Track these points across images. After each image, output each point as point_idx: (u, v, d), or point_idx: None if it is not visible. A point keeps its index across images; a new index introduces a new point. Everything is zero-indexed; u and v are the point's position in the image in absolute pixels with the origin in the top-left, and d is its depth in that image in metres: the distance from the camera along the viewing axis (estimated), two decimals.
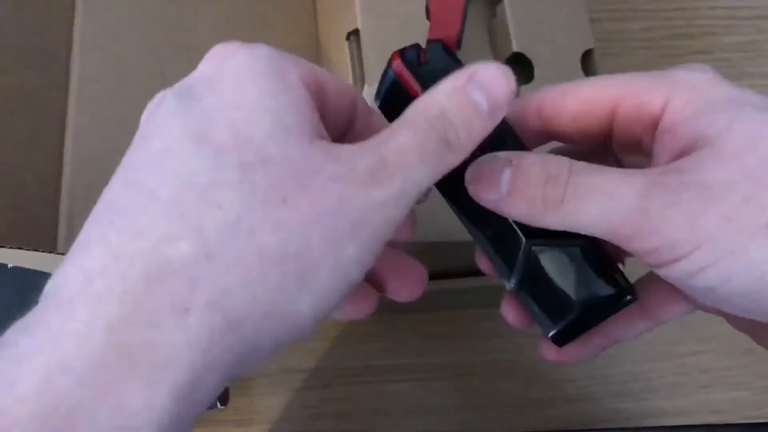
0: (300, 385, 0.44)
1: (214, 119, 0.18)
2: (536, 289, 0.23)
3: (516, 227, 0.22)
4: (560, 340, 0.23)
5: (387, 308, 0.44)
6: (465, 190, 0.22)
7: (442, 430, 0.44)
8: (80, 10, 0.40)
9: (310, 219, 0.17)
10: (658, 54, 0.52)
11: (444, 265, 0.39)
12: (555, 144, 0.26)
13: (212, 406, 0.38)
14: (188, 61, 0.41)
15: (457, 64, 0.24)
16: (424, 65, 0.23)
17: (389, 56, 0.35)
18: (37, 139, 0.37)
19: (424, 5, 0.25)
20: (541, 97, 0.23)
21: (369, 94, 0.34)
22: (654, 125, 0.22)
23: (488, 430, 0.44)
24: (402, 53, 0.24)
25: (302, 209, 0.17)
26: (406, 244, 0.33)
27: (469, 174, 0.22)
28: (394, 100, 0.23)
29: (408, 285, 0.24)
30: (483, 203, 0.22)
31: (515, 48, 0.36)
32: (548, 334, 0.23)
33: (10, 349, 0.16)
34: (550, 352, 0.25)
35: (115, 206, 0.17)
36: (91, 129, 0.38)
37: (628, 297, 0.23)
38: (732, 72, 0.52)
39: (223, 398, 0.40)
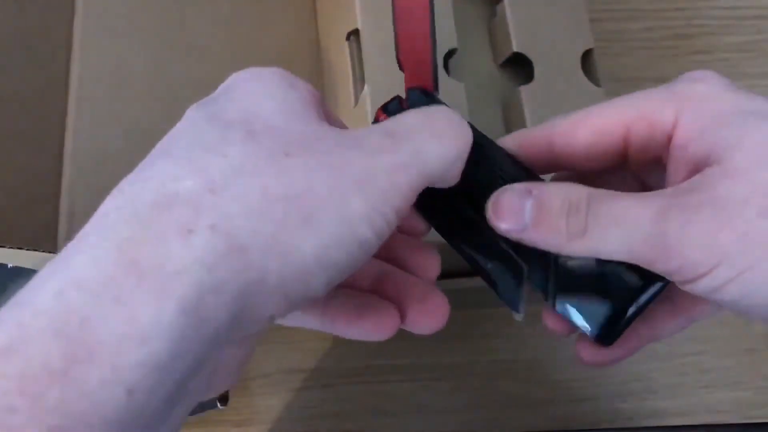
0: (300, 385, 0.44)
1: (226, 107, 0.19)
2: (572, 297, 0.23)
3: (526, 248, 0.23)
4: (606, 340, 0.23)
5: None
6: (466, 225, 0.23)
7: (442, 430, 0.44)
8: (80, 10, 0.40)
9: (314, 169, 0.18)
10: (659, 54, 0.52)
11: (444, 265, 0.39)
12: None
13: (212, 406, 0.38)
14: (188, 61, 0.41)
15: (440, 104, 0.24)
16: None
17: (389, 56, 0.35)
18: (37, 139, 0.37)
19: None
20: (549, 129, 0.24)
21: (368, 93, 0.34)
22: (668, 142, 0.22)
23: (488, 430, 0.44)
24: (385, 108, 0.24)
25: (306, 161, 0.18)
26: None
27: (490, 205, 0.22)
28: None
29: (429, 316, 0.25)
30: (505, 234, 0.22)
31: (515, 48, 0.36)
32: (593, 336, 0.23)
33: (34, 279, 0.17)
34: (587, 354, 0.25)
35: (133, 171, 0.19)
36: (91, 129, 0.38)
37: (661, 283, 0.23)
38: (732, 72, 0.52)
39: (223, 398, 0.40)
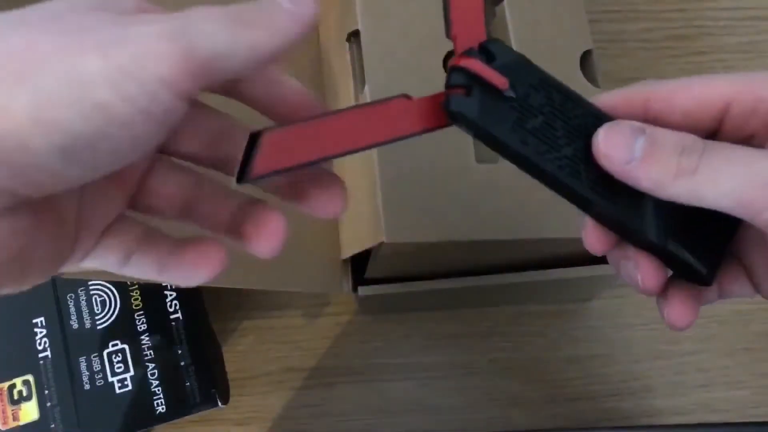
0: (300, 383, 0.44)
1: None
2: (679, 236, 0.23)
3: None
4: (709, 279, 0.24)
5: (387, 308, 0.44)
6: (584, 165, 0.23)
7: (442, 428, 0.44)
8: None
9: (45, 32, 0.17)
10: (657, 55, 0.52)
11: (444, 265, 0.39)
12: None
13: (213, 405, 0.38)
14: None
15: (520, 54, 0.23)
16: (495, 62, 0.23)
17: (389, 57, 0.35)
18: None
19: (440, 18, 0.24)
20: (647, 92, 0.24)
21: (368, 93, 0.34)
22: None
23: (488, 428, 0.44)
24: (466, 54, 0.23)
25: (41, 26, 0.18)
26: (402, 245, 0.33)
27: (600, 136, 0.22)
28: (484, 103, 0.22)
29: (329, 198, 0.23)
30: (611, 166, 0.22)
31: (515, 48, 0.36)
32: (701, 275, 0.23)
33: None
34: (678, 315, 0.25)
35: None
36: None
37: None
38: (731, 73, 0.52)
39: (224, 397, 0.40)
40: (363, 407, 0.44)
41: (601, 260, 0.32)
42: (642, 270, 0.24)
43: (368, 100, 0.34)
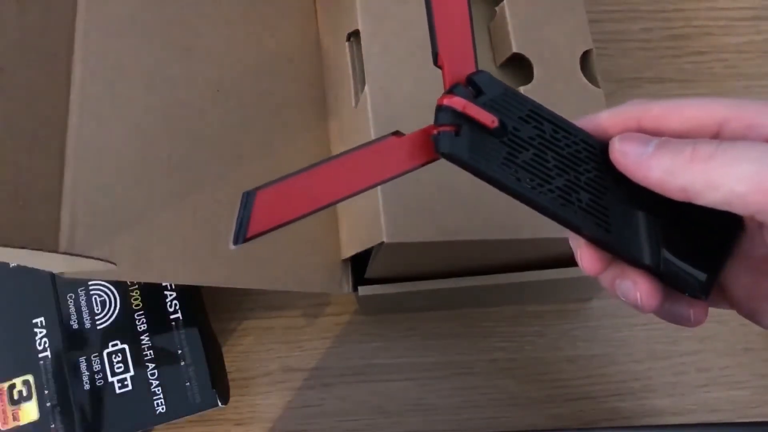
0: (300, 384, 0.44)
1: None
2: (678, 252, 0.23)
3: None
4: (707, 292, 0.23)
5: (387, 308, 0.44)
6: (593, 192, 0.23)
7: (442, 428, 0.44)
8: (82, 10, 0.40)
9: None
10: (657, 55, 0.52)
11: (444, 265, 0.39)
12: None
13: (213, 405, 0.39)
14: (190, 61, 0.41)
15: (507, 86, 0.23)
16: (483, 96, 0.23)
17: (389, 57, 0.35)
18: (38, 138, 0.37)
19: (432, 52, 0.23)
20: (640, 112, 0.24)
21: (369, 93, 0.34)
22: None
23: (488, 428, 0.44)
24: (452, 91, 0.22)
25: None
26: (402, 245, 0.33)
27: (616, 137, 0.23)
28: (474, 141, 0.22)
29: None
30: (625, 161, 0.22)
31: (515, 48, 0.36)
32: (697, 289, 0.23)
33: None
34: (700, 313, 0.25)
35: None
36: (92, 129, 0.38)
37: (738, 219, 0.23)
38: (730, 73, 0.52)
39: (224, 397, 0.40)
40: (363, 407, 0.44)
41: None
42: (641, 289, 0.24)
43: (368, 100, 0.34)
